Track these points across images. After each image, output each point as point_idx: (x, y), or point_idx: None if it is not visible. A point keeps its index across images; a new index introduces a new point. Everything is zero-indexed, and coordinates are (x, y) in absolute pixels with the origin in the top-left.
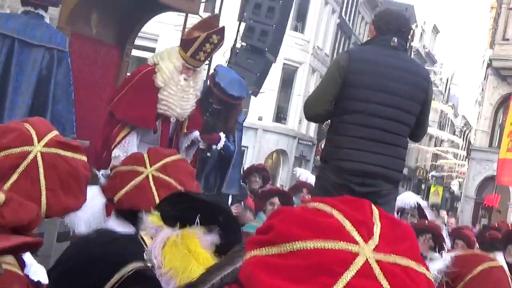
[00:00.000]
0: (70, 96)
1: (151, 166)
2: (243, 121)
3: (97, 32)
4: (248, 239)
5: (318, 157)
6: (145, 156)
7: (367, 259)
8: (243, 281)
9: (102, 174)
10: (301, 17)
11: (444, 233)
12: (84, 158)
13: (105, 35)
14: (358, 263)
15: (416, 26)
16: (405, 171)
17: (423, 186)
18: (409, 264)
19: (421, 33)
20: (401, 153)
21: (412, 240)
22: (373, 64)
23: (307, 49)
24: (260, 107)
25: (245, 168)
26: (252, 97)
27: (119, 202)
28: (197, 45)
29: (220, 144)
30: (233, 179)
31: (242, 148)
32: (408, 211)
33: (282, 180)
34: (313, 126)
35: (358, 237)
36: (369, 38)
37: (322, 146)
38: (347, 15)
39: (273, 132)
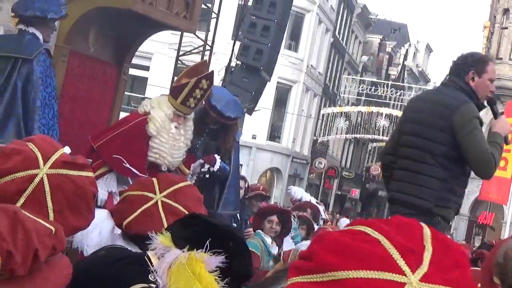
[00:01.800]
0: (32, 103)
1: (160, 192)
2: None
3: (95, 51)
4: (291, 263)
5: (312, 175)
6: (155, 182)
7: None
8: None
9: None
10: (295, 36)
11: None
12: (91, 174)
13: (103, 53)
14: None
15: (409, 45)
16: None
17: None
18: None
19: (414, 52)
20: (423, 180)
21: (464, 267)
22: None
23: (301, 68)
24: (254, 126)
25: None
26: (247, 115)
27: (127, 227)
28: (187, 91)
29: (216, 166)
30: (228, 199)
31: None
32: None
33: (276, 198)
34: (307, 144)
35: (405, 267)
36: None
37: (316, 164)
38: (341, 34)
39: (267, 150)
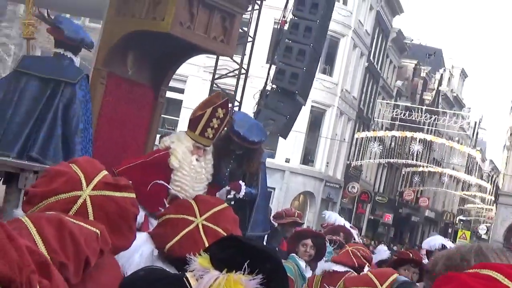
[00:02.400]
0: (76, 126)
1: (200, 216)
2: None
3: (133, 73)
4: None
5: (344, 199)
6: (194, 204)
7: None
8: None
9: None
10: (330, 60)
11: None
12: (132, 195)
13: (140, 76)
14: None
15: (444, 70)
16: (432, 215)
17: (450, 230)
18: None
19: (449, 77)
20: None
21: None
22: None
23: (335, 92)
24: (287, 149)
25: (272, 209)
26: (280, 139)
27: (170, 251)
28: (204, 121)
29: (242, 193)
30: (257, 221)
31: (269, 189)
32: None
33: (309, 222)
34: (340, 169)
35: None
36: None
37: (349, 188)
38: (375, 59)
39: (300, 174)
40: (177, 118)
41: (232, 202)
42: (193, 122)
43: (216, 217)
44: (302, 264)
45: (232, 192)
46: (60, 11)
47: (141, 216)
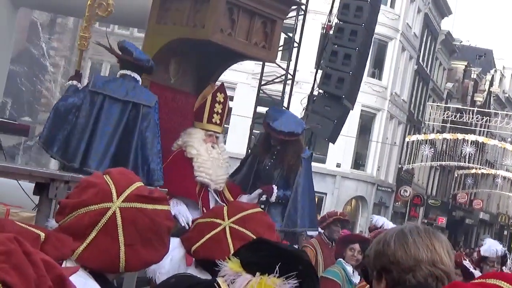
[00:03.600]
0: (155, 147)
1: (229, 219)
2: (310, 156)
3: (175, 81)
4: None
5: (397, 203)
6: (225, 209)
7: None
8: None
9: None
10: (378, 63)
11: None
12: (167, 207)
13: (183, 84)
14: None
15: (495, 71)
16: (487, 217)
17: (505, 232)
18: None
19: (501, 78)
20: None
21: None
22: None
23: (385, 96)
24: (338, 154)
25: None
26: (330, 144)
27: (195, 253)
28: (208, 108)
29: (273, 197)
30: (290, 216)
31: (321, 194)
32: (493, 260)
33: (361, 227)
34: (392, 172)
35: None
36: None
37: (401, 192)
38: (425, 61)
39: (352, 178)
40: (227, 126)
41: (262, 206)
42: (198, 113)
43: (245, 220)
44: (349, 269)
45: (264, 196)
46: (107, 22)
47: (189, 219)
